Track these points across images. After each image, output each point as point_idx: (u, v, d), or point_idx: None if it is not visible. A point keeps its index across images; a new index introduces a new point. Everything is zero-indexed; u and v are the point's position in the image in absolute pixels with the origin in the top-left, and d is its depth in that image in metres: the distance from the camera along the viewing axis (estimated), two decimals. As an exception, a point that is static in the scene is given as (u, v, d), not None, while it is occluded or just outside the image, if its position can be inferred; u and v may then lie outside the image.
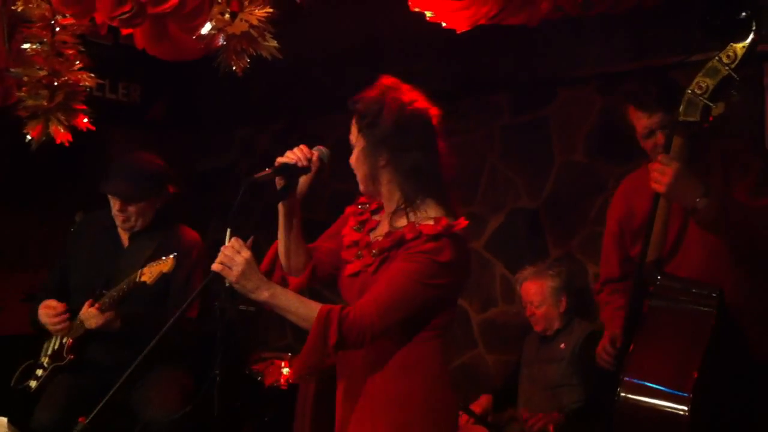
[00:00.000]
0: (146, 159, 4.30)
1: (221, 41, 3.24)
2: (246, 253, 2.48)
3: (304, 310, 2.50)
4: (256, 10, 3.18)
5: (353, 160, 2.66)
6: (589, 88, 5.16)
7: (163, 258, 3.89)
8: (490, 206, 5.50)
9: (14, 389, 4.26)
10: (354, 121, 2.65)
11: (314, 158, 2.67)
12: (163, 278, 3.90)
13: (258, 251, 2.58)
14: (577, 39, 4.94)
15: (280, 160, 2.66)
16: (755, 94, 4.35)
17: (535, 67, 5.25)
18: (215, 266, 2.49)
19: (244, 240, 2.52)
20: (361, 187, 2.69)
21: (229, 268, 2.47)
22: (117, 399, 3.75)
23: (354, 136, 2.66)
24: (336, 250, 2.80)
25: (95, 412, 2.69)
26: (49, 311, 4.13)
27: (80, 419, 2.73)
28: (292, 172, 2.65)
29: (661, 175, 2.85)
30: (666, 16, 4.51)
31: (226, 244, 2.49)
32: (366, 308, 2.47)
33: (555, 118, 5.31)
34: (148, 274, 3.88)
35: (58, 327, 4.14)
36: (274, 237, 2.81)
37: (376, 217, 2.76)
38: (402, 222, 2.61)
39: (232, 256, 2.47)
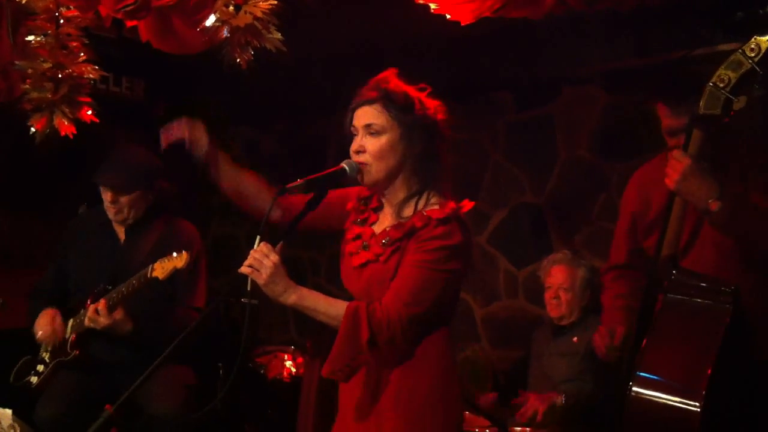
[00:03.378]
0: (139, 151, 4.29)
1: (225, 34, 3.24)
2: (274, 257, 2.51)
3: (332, 309, 2.55)
4: (261, 3, 3.18)
5: (382, 147, 2.62)
6: (593, 85, 5.16)
7: (175, 254, 3.86)
8: (493, 201, 5.51)
9: (13, 385, 4.25)
10: (381, 106, 2.63)
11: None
12: (175, 273, 3.87)
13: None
14: (581, 36, 4.93)
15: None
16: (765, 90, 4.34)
17: (539, 64, 5.24)
18: (244, 269, 2.52)
19: (273, 245, 2.55)
20: (377, 176, 2.65)
21: (258, 271, 2.50)
22: (121, 393, 3.76)
23: (385, 122, 2.62)
24: (333, 207, 2.81)
25: (120, 401, 2.72)
26: (47, 325, 4.15)
27: (107, 407, 2.75)
28: (323, 183, 2.66)
29: (673, 171, 2.83)
30: (669, 13, 4.51)
31: (255, 248, 2.52)
32: (392, 303, 2.51)
33: (559, 115, 5.32)
34: (160, 269, 3.85)
35: (47, 340, 4.16)
36: (300, 244, 2.85)
37: (377, 214, 2.77)
38: (408, 212, 2.63)
39: (261, 259, 2.51)
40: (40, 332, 4.16)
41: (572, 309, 4.59)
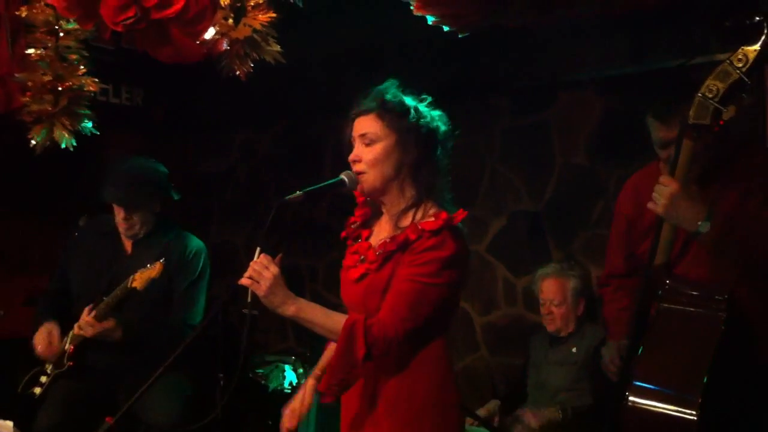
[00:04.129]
0: (147, 164, 4.28)
1: (225, 46, 3.25)
2: (274, 269, 2.53)
3: (330, 323, 2.56)
4: (260, 15, 3.20)
5: (377, 155, 2.64)
6: (590, 90, 5.17)
7: (152, 264, 3.91)
8: (491, 209, 5.51)
9: (21, 395, 4.27)
10: (376, 116, 2.65)
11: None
12: (154, 283, 3.91)
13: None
14: (577, 41, 4.94)
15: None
16: (757, 96, 4.36)
17: (535, 69, 5.25)
18: (243, 280, 2.54)
19: (272, 257, 2.56)
20: (373, 184, 2.67)
21: (258, 282, 2.52)
22: (120, 403, 3.77)
23: (379, 131, 2.65)
24: None
25: (121, 413, 2.74)
26: (44, 341, 4.16)
27: (107, 419, 2.77)
28: (322, 194, 2.68)
29: (658, 196, 2.84)
30: (666, 18, 4.52)
31: (255, 260, 2.54)
32: (388, 319, 2.52)
33: (556, 120, 5.32)
34: (139, 280, 3.90)
35: (44, 356, 4.17)
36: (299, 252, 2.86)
37: (368, 228, 2.80)
38: (406, 222, 2.64)
39: (261, 271, 2.53)
40: (38, 348, 4.18)
41: (567, 321, 4.61)
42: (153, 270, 3.89)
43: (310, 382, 2.90)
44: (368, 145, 2.65)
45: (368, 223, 2.80)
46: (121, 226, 4.20)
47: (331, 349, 2.79)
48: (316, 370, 2.92)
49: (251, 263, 2.55)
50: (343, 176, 2.69)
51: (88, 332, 4.00)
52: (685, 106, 2.90)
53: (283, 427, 2.88)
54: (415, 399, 2.60)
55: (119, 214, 4.17)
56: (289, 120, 6.53)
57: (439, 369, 2.64)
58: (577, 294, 4.61)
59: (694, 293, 2.90)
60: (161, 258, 4.00)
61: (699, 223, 2.80)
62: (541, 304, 4.69)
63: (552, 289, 4.64)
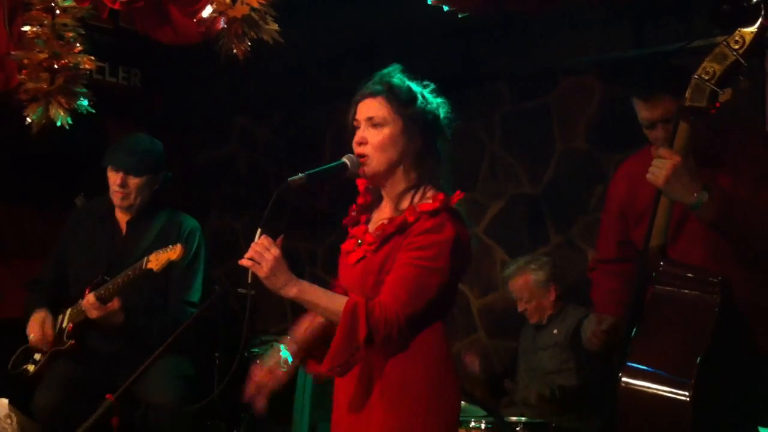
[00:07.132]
0: (146, 137, 4.30)
1: (222, 25, 3.24)
2: (275, 251, 2.51)
3: (332, 305, 2.55)
4: (257, -7, 3.18)
5: (383, 139, 2.63)
6: (590, 75, 5.16)
7: (171, 246, 3.87)
8: (490, 192, 5.52)
9: (11, 373, 4.27)
10: (384, 99, 2.64)
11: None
12: (170, 266, 3.88)
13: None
14: (578, 26, 4.94)
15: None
16: (756, 80, 4.35)
17: (536, 54, 5.25)
18: (244, 261, 2.52)
19: (273, 239, 2.55)
20: (378, 168, 2.64)
21: (259, 264, 2.51)
22: (118, 383, 3.78)
23: (387, 114, 2.63)
24: None
25: (121, 390, 2.76)
26: (37, 330, 4.15)
27: (107, 396, 2.78)
28: (324, 177, 2.67)
29: (659, 168, 2.83)
30: (666, 3, 4.51)
31: (256, 241, 2.53)
32: (389, 303, 2.51)
33: (556, 105, 5.32)
34: (155, 261, 3.86)
35: (38, 344, 4.16)
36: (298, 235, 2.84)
37: (368, 213, 2.79)
38: (405, 204, 2.64)
39: (262, 252, 2.51)
40: (31, 335, 4.17)
41: (543, 311, 4.72)
42: (173, 252, 3.84)
43: (284, 358, 2.87)
44: (375, 128, 2.63)
45: (369, 209, 2.79)
46: (116, 195, 4.17)
47: (308, 320, 2.79)
48: (292, 343, 2.86)
49: (252, 244, 2.53)
50: (345, 159, 2.66)
51: (93, 314, 3.98)
52: (667, 87, 2.93)
53: (249, 394, 2.82)
54: (412, 383, 2.60)
55: (115, 181, 4.15)
56: (288, 108, 6.52)
57: (437, 353, 2.64)
58: (542, 285, 4.71)
59: (688, 276, 2.89)
60: (159, 238, 4.01)
61: (696, 195, 2.79)
62: (517, 303, 4.80)
63: (517, 287, 4.76)
